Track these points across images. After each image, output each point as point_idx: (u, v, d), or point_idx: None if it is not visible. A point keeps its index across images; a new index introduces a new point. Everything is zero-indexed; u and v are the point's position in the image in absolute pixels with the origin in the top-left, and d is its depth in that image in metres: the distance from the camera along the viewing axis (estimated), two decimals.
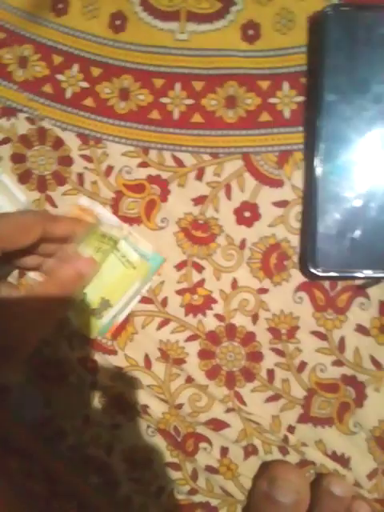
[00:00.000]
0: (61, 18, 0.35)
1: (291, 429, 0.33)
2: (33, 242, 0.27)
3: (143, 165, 0.34)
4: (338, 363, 0.32)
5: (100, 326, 0.33)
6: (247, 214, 0.33)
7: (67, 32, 0.35)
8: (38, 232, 0.27)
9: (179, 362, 0.34)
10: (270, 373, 0.33)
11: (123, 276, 0.33)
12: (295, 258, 0.33)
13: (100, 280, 0.32)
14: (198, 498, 0.33)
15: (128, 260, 0.33)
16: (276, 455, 0.33)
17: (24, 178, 0.35)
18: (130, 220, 0.34)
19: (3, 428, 0.34)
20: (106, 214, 0.34)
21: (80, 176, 0.35)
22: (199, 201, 0.34)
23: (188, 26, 0.34)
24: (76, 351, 0.34)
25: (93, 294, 0.33)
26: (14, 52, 0.36)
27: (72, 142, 0.35)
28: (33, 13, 0.36)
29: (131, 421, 0.34)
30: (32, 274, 0.34)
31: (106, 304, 0.33)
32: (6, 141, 0.35)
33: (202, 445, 0.33)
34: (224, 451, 0.33)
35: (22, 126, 0.35)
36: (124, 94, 0.34)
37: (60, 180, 0.35)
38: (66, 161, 0.35)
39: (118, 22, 0.35)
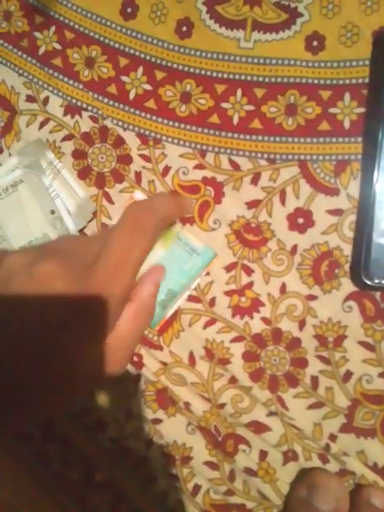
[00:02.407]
0: (129, 21, 0.37)
1: (333, 437, 0.33)
2: None
3: (200, 167, 0.35)
4: None
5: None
6: (301, 220, 0.33)
7: (134, 36, 0.37)
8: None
9: (224, 362, 0.34)
10: (314, 380, 0.33)
11: (188, 264, 0.34)
12: (346, 267, 0.33)
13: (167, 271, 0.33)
14: (233, 500, 0.33)
15: (191, 247, 0.34)
16: (316, 463, 0.33)
17: (83, 173, 0.37)
18: (183, 220, 0.35)
19: None
20: None
21: (138, 174, 0.36)
22: (253, 205, 0.34)
23: (253, 35, 0.35)
24: None
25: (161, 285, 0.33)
26: (81, 52, 0.37)
27: (132, 141, 0.36)
28: (102, 15, 0.37)
29: (172, 417, 0.34)
30: None
31: (172, 295, 0.34)
32: (68, 137, 0.37)
33: (242, 446, 0.33)
34: (263, 454, 0.33)
35: (85, 123, 0.37)
36: (185, 98, 0.35)
37: (118, 177, 0.36)
38: (126, 159, 0.36)
39: (184, 29, 0.36)
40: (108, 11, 0.37)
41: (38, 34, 0.38)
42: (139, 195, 0.35)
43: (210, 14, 0.35)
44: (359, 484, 0.32)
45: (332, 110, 0.33)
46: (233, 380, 0.34)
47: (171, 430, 0.34)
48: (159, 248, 0.34)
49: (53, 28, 0.38)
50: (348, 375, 0.33)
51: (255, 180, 0.34)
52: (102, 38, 0.37)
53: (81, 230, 0.36)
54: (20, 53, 0.38)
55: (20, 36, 0.38)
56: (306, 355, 0.33)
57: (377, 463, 0.32)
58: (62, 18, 0.38)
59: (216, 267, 0.34)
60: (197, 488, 0.34)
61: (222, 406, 0.34)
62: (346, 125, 0.33)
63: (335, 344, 0.33)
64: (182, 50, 0.36)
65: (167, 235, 0.34)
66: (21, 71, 0.38)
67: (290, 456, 0.33)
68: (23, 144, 0.37)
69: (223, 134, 0.35)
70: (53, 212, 0.36)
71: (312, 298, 0.33)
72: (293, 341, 0.33)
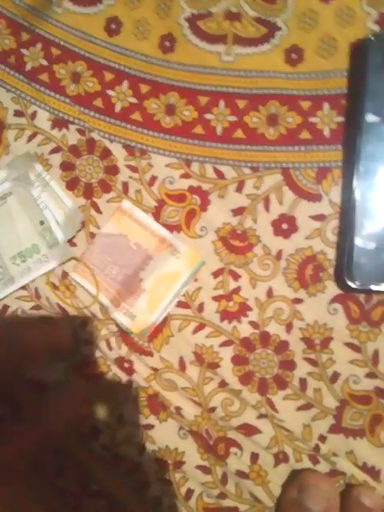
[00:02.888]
0: (113, 37, 0.38)
1: (322, 438, 0.33)
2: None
3: (185, 176, 0.36)
4: (371, 375, 0.33)
5: (144, 326, 0.35)
6: (285, 225, 0.34)
7: (119, 51, 0.38)
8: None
9: (213, 366, 0.35)
10: (303, 382, 0.34)
11: (173, 267, 0.34)
12: (331, 271, 0.34)
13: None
14: (226, 503, 0.34)
15: (175, 249, 0.34)
16: (306, 464, 0.33)
17: (72, 184, 0.37)
18: (170, 227, 0.36)
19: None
20: (146, 219, 0.36)
21: (125, 184, 0.37)
22: (238, 212, 0.35)
23: (234, 49, 0.36)
24: (114, 351, 0.35)
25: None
26: (67, 68, 0.38)
27: (119, 152, 0.37)
28: (87, 32, 0.38)
29: (164, 422, 0.35)
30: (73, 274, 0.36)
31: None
32: (56, 150, 0.38)
33: (233, 449, 0.34)
34: (254, 457, 0.34)
35: (72, 136, 0.37)
36: (170, 110, 0.36)
37: (106, 188, 0.37)
38: (113, 170, 0.37)
39: (167, 43, 0.37)
40: (93, 28, 0.38)
41: (24, 51, 0.39)
42: (126, 204, 0.36)
43: (192, 29, 0.37)
44: (349, 484, 0.33)
45: (312, 120, 0.35)
46: (223, 384, 0.34)
47: (163, 435, 0.35)
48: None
49: (39, 45, 0.39)
50: (335, 376, 0.33)
51: (240, 188, 0.35)
52: (87, 54, 0.38)
53: (70, 240, 0.36)
54: (7, 69, 0.39)
55: (7, 53, 0.39)
56: (293, 358, 0.34)
57: (366, 463, 0.33)
58: (48, 35, 0.39)
59: (203, 273, 0.35)
60: (190, 492, 0.34)
61: (213, 409, 0.34)
62: (326, 133, 0.34)
63: (322, 346, 0.34)
64: (165, 63, 0.37)
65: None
66: (8, 87, 0.38)
67: (280, 458, 0.33)
68: (11, 157, 0.38)
69: (207, 144, 0.36)
70: (42, 223, 0.36)
71: (298, 301, 0.34)
72: (280, 344, 0.34)
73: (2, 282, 0.37)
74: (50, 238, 0.36)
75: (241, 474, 0.34)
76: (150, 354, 0.35)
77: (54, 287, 0.37)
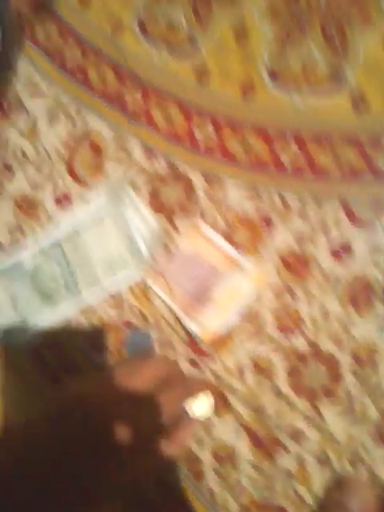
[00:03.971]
0: (203, 86, 0.44)
1: (364, 447, 0.36)
2: None
3: (255, 204, 0.41)
4: None
5: (211, 334, 0.40)
6: (343, 253, 0.38)
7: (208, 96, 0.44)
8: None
9: (268, 374, 0.39)
10: (349, 393, 0.37)
11: (240, 283, 0.40)
12: (382, 295, 0.37)
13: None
14: (272, 499, 0.37)
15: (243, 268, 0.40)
16: (348, 469, 0.36)
17: (157, 207, 0.44)
18: (239, 247, 0.41)
19: None
20: (218, 239, 0.41)
21: (202, 210, 0.42)
22: (300, 237, 0.40)
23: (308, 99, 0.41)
24: (184, 355, 0.41)
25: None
26: (162, 109, 0.45)
27: (198, 181, 0.43)
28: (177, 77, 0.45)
29: (222, 418, 0.39)
30: None
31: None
32: (147, 180, 0.44)
33: (281, 451, 0.38)
34: (301, 459, 0.37)
35: (160, 166, 0.44)
36: (247, 148, 0.42)
37: (185, 212, 0.43)
38: (193, 196, 0.43)
39: (248, 92, 0.43)
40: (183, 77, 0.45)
41: (127, 97, 0.46)
42: (203, 226, 0.42)
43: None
44: None
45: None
46: (276, 390, 0.38)
47: (220, 430, 0.39)
48: None
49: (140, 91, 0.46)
50: (379, 390, 0.36)
51: (302, 215, 0.40)
52: (177, 98, 0.45)
53: (153, 256, 0.43)
54: (113, 110, 0.47)
55: (113, 96, 0.47)
56: (341, 371, 0.37)
57: None
58: (145, 83, 0.46)
59: (265, 290, 0.40)
60: (240, 487, 0.38)
61: (266, 413, 0.38)
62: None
63: (368, 362, 0.37)
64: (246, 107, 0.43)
65: None
66: (112, 125, 0.46)
67: (324, 462, 0.37)
68: (109, 183, 0.45)
69: (277, 177, 0.41)
70: (132, 241, 0.43)
71: (350, 321, 0.38)
72: (330, 358, 0.38)
73: (95, 288, 0.44)
74: (137, 255, 0.43)
75: (288, 473, 0.37)
76: (213, 359, 0.40)
77: (136, 297, 0.43)
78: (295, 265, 0.40)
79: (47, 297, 0.44)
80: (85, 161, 0.46)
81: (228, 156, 0.43)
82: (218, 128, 0.43)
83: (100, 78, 0.48)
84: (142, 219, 0.44)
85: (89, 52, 0.47)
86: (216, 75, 0.44)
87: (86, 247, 0.44)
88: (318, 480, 0.36)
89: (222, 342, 0.40)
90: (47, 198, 0.46)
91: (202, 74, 0.44)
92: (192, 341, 0.40)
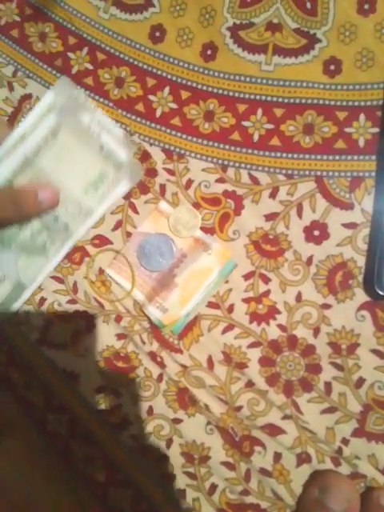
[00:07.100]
0: (157, 45, 0.39)
1: (345, 441, 0.34)
2: None
3: (221, 180, 0.37)
4: None
5: (175, 319, 0.36)
6: (316, 232, 0.35)
7: (162, 58, 0.39)
8: None
9: (241, 366, 0.36)
10: (328, 385, 0.35)
11: (205, 263, 0.36)
12: (360, 278, 0.35)
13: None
14: (249, 499, 0.35)
15: (207, 246, 0.36)
16: (328, 465, 0.34)
17: None
18: (204, 230, 0.37)
19: (72, 413, 0.37)
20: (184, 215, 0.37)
21: (162, 187, 0.38)
22: (271, 217, 0.36)
23: (274, 59, 0.37)
24: (146, 346, 0.37)
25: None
26: (111, 73, 0.40)
27: (157, 156, 0.38)
28: (132, 38, 0.40)
29: (192, 417, 0.36)
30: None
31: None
32: None
33: (257, 448, 0.35)
34: (278, 456, 0.35)
35: None
36: (209, 116, 0.38)
37: (144, 189, 0.38)
38: (151, 172, 0.38)
39: (209, 52, 0.38)
40: (138, 35, 0.40)
41: (71, 55, 0.41)
42: (163, 205, 0.38)
43: (234, 38, 0.38)
44: (370, 486, 0.33)
45: (347, 130, 0.35)
46: (249, 384, 0.35)
47: (191, 429, 0.36)
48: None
49: (85, 49, 0.40)
50: (360, 382, 0.34)
51: (273, 194, 0.36)
52: (131, 60, 0.40)
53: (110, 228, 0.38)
54: (54, 71, 0.41)
55: (54, 56, 0.41)
56: (320, 361, 0.35)
57: None
58: (94, 40, 0.40)
59: (235, 275, 0.36)
60: (214, 487, 0.36)
61: (239, 408, 0.35)
62: (361, 143, 0.35)
63: (348, 351, 0.34)
64: (206, 71, 0.38)
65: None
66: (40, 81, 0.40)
67: (303, 458, 0.34)
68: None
69: (244, 150, 0.37)
70: (102, 148, 0.37)
71: (326, 306, 0.35)
72: (307, 347, 0.35)
73: (82, 216, 0.38)
74: (114, 160, 0.37)
75: (264, 472, 0.35)
76: (180, 351, 0.37)
77: (91, 282, 0.38)
78: (266, 247, 0.36)
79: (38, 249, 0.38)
80: None
81: (189, 127, 0.38)
82: (176, 95, 0.38)
83: (38, 34, 0.41)
84: (101, 123, 0.38)
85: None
86: (172, 34, 0.39)
87: (45, 173, 0.37)
88: (298, 478, 0.34)
89: (189, 332, 0.36)
90: None
91: (156, 34, 0.39)
92: (156, 332, 0.36)
